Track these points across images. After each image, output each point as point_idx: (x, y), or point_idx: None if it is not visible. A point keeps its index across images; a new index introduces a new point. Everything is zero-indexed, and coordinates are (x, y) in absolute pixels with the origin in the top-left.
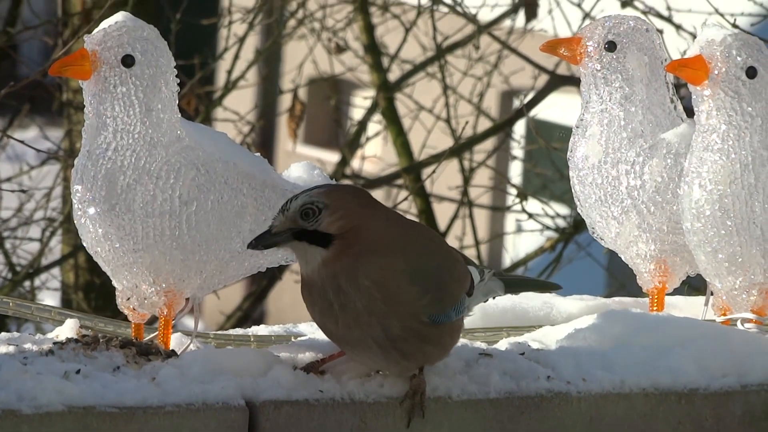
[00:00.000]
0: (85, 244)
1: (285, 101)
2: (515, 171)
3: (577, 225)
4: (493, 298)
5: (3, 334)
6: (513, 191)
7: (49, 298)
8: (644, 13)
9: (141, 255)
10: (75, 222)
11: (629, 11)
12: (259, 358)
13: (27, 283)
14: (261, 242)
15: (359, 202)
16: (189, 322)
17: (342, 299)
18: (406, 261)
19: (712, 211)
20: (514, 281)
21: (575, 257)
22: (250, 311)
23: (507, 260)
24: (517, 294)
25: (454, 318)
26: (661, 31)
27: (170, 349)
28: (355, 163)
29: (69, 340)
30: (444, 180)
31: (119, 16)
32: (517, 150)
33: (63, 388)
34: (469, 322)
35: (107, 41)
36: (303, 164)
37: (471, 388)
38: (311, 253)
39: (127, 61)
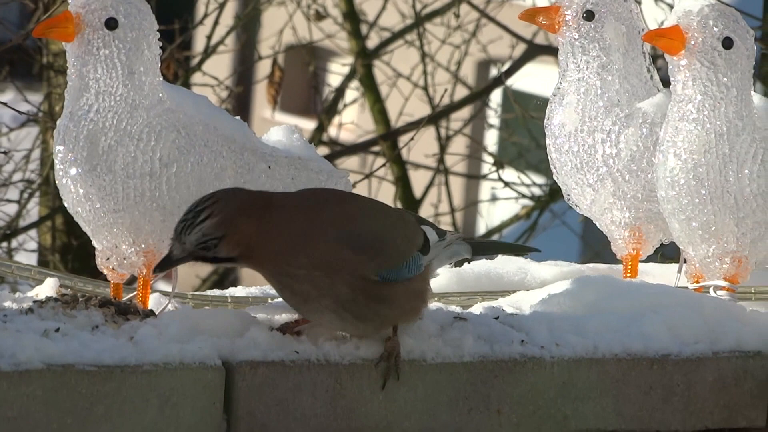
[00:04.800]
0: (66, 204)
1: (262, 68)
2: (491, 139)
3: (553, 193)
4: (457, 264)
5: None
6: (489, 159)
7: (26, 260)
8: None
9: (121, 215)
10: (56, 182)
11: None
12: (236, 318)
13: (4, 244)
14: (164, 266)
15: (252, 213)
16: (164, 286)
17: (289, 286)
18: (337, 233)
19: (687, 179)
20: (484, 245)
21: (550, 225)
22: (226, 274)
23: (482, 227)
24: (490, 257)
25: (407, 275)
26: (638, 2)
27: (148, 309)
28: (332, 130)
29: (49, 299)
30: (420, 147)
31: None
32: (494, 119)
33: (42, 345)
34: (444, 286)
35: (91, 4)
36: (282, 128)
37: (445, 351)
38: (227, 265)
39: (111, 23)
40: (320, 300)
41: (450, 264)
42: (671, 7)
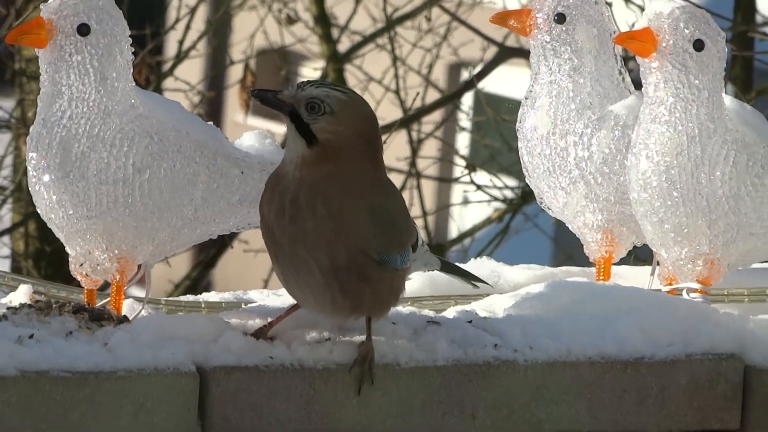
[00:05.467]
0: (39, 211)
1: (234, 72)
2: (463, 142)
3: (525, 196)
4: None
5: None
6: (461, 162)
7: None
8: None
9: (94, 222)
10: (30, 189)
11: None
12: (209, 324)
13: None
14: (263, 96)
15: (363, 130)
16: (137, 291)
17: (294, 211)
18: (366, 199)
19: (659, 182)
20: (448, 264)
21: (522, 228)
22: (199, 280)
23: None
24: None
25: (398, 264)
26: (610, 4)
27: (122, 314)
28: None
29: (22, 305)
30: (392, 151)
31: None
32: (466, 122)
33: (16, 352)
34: (417, 290)
35: (63, 10)
36: (255, 133)
37: (419, 356)
38: (296, 142)
39: (83, 29)
40: (315, 254)
41: (424, 271)
42: (642, 9)
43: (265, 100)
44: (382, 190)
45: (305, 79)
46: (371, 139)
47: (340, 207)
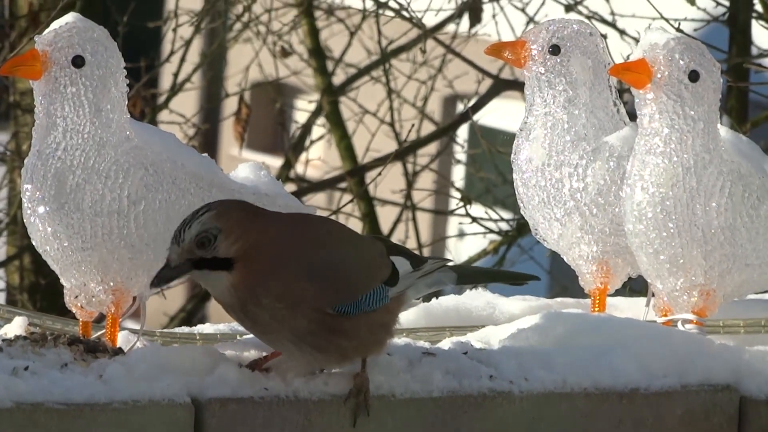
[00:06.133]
0: (34, 243)
1: (229, 105)
2: (458, 175)
3: (520, 228)
4: (437, 297)
5: None
6: (457, 195)
7: None
8: (588, 17)
9: (89, 253)
10: (24, 221)
11: (573, 16)
12: (205, 355)
13: None
14: (162, 278)
15: (247, 216)
16: (131, 325)
17: (252, 316)
18: (304, 263)
19: (654, 213)
20: (473, 273)
21: (518, 260)
22: (194, 312)
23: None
24: (480, 283)
25: (366, 308)
26: (605, 36)
27: (117, 346)
28: (299, 167)
29: (17, 337)
30: (387, 183)
31: (69, 17)
32: (461, 154)
33: (11, 384)
34: (412, 321)
35: (58, 42)
36: (250, 165)
37: (414, 387)
38: (216, 279)
39: (78, 61)
40: (280, 331)
41: (431, 292)
42: (637, 41)
43: (164, 279)
44: (316, 244)
45: (172, 233)
46: (254, 210)
47: (280, 286)
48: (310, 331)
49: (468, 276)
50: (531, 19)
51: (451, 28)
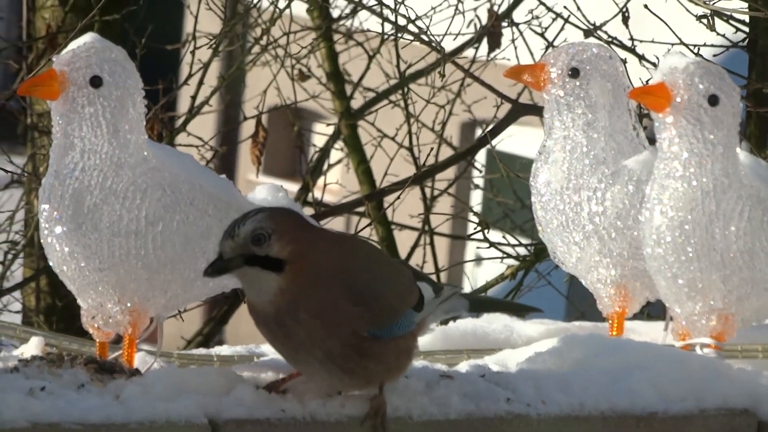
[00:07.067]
0: (51, 263)
1: (247, 128)
2: (476, 200)
3: (538, 253)
4: (454, 320)
5: None
6: (475, 220)
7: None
8: (608, 42)
9: (107, 274)
10: (41, 241)
11: (592, 41)
12: (221, 377)
13: None
14: (215, 269)
15: (298, 224)
16: (148, 345)
17: (286, 330)
18: (346, 283)
19: (673, 237)
20: (483, 302)
21: (535, 285)
22: (211, 335)
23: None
24: (489, 312)
25: (397, 333)
26: (624, 61)
27: (134, 367)
28: (317, 191)
29: (34, 357)
30: (405, 208)
31: (87, 38)
32: (479, 179)
33: (28, 404)
34: (429, 344)
35: (76, 62)
36: (267, 186)
37: (431, 410)
38: (265, 279)
39: (95, 81)
40: (311, 351)
41: (447, 318)
42: (656, 66)
43: (218, 270)
44: (357, 266)
45: (224, 228)
46: (304, 222)
47: (319, 305)
48: (343, 353)
49: (478, 304)
50: (550, 44)
51: (470, 52)
